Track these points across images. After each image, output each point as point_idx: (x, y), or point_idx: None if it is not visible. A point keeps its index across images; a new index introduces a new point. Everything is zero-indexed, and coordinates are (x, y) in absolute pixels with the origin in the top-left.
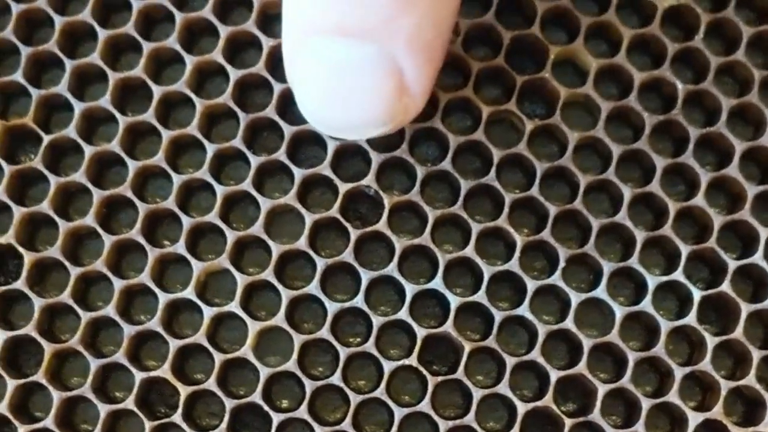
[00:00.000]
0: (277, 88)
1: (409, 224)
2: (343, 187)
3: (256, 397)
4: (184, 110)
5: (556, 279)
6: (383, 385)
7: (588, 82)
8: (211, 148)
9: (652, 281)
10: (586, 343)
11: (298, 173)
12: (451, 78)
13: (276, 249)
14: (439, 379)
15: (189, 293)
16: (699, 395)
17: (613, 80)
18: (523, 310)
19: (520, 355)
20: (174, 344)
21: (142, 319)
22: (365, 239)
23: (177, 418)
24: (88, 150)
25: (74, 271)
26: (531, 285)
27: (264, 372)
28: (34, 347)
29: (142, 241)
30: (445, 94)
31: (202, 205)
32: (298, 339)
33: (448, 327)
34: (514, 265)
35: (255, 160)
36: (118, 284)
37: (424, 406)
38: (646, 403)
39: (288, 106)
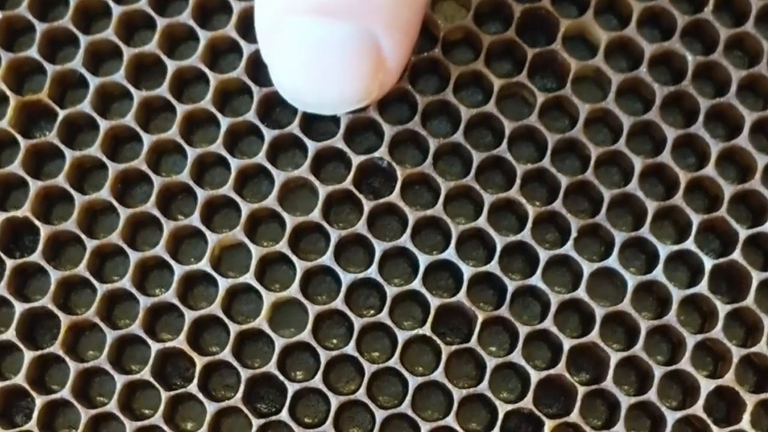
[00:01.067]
0: None
1: (422, 197)
2: (356, 160)
3: (271, 368)
4: (198, 86)
5: (568, 249)
6: (397, 355)
7: (598, 56)
8: (225, 123)
9: (664, 251)
10: (599, 313)
11: (312, 146)
12: (463, 53)
13: (290, 222)
14: (453, 348)
15: (204, 266)
16: (711, 364)
17: (624, 53)
18: (536, 281)
19: (533, 326)
20: (189, 316)
21: (158, 293)
22: (378, 212)
23: (193, 388)
24: (103, 125)
25: (90, 245)
26: (543, 255)
27: (279, 343)
28: (50, 321)
29: (157, 214)
30: (456, 67)
31: (216, 180)
32: (312, 311)
33: (461, 297)
34: (526, 236)
35: (269, 134)
36: (134, 258)
37: (438, 375)
38: (658, 371)
39: None
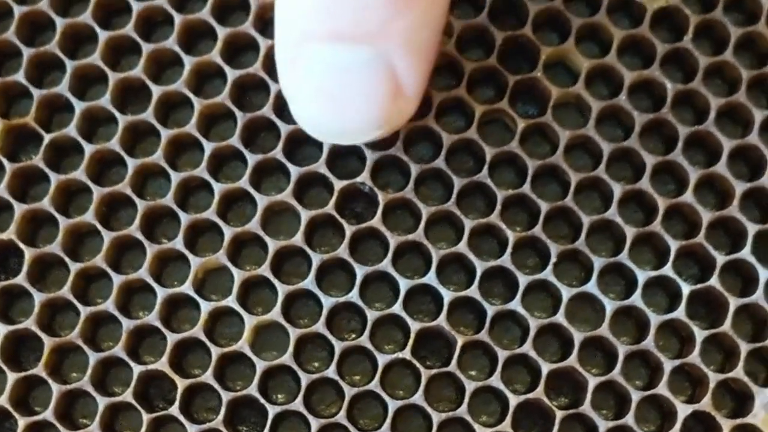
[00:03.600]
0: (274, 88)
1: (404, 222)
2: (339, 185)
3: (253, 391)
4: (183, 111)
5: (547, 274)
6: (377, 378)
7: (579, 83)
8: (209, 147)
9: (642, 276)
10: (578, 338)
11: (295, 171)
12: (445, 79)
13: (273, 246)
14: (433, 372)
15: (187, 288)
16: (689, 389)
17: (604, 81)
18: (516, 305)
19: (513, 350)
20: (172, 339)
21: (141, 315)
22: (360, 236)
23: (175, 410)
24: (89, 149)
25: (74, 267)
26: (523, 280)
27: (260, 366)
28: (34, 342)
29: (141, 237)
30: (438, 93)
31: (200, 203)
32: (294, 334)
33: (442, 321)
34: (506, 261)
35: (252, 159)
36: (118, 280)
37: (418, 398)
38: (636, 396)
39: (285, 106)
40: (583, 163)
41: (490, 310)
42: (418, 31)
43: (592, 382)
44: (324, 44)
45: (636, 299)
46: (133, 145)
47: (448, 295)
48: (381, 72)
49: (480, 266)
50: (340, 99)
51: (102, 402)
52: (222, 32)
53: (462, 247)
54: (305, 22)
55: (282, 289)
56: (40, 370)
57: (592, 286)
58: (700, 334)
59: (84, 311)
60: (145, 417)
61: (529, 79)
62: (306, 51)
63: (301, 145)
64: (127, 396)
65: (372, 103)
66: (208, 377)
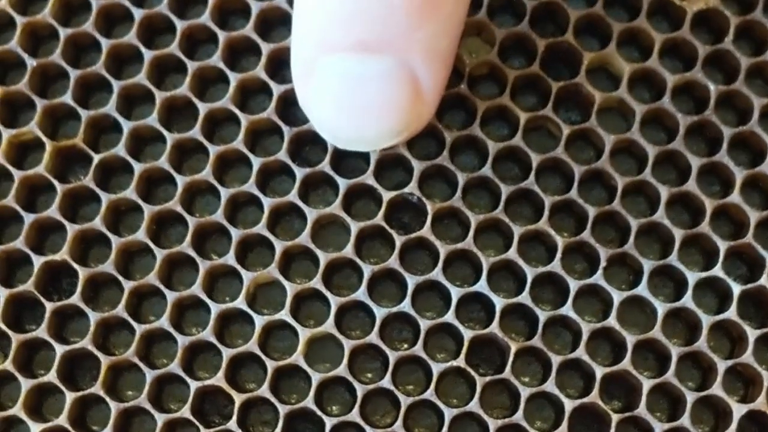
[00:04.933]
0: None
1: (452, 231)
2: (387, 196)
3: (309, 403)
4: (229, 127)
5: (597, 279)
6: (432, 387)
7: (622, 87)
8: (256, 162)
9: (692, 278)
10: (630, 341)
11: (342, 183)
12: (489, 87)
13: (323, 258)
14: (487, 379)
15: (239, 303)
16: (742, 389)
17: (646, 84)
18: (567, 310)
19: (565, 355)
20: (226, 354)
21: (194, 332)
22: (409, 246)
23: (232, 425)
24: (137, 167)
25: (127, 286)
26: (573, 285)
27: (315, 378)
28: (90, 362)
29: (192, 254)
30: (482, 102)
31: (249, 219)
32: (347, 345)
33: (494, 328)
34: (556, 266)
35: (300, 173)
36: (171, 297)
37: (473, 406)
38: (690, 397)
39: None
40: (628, 167)
41: (542, 315)
42: (438, 39)
43: (646, 384)
44: (346, 54)
45: (687, 301)
46: (180, 163)
47: (499, 303)
48: (402, 80)
49: (530, 272)
50: (361, 108)
51: (160, 419)
52: (266, 48)
53: (511, 254)
54: (326, 32)
55: (334, 301)
56: (97, 389)
57: (642, 289)
58: (752, 334)
59: (138, 329)
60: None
61: (571, 85)
62: (326, 61)
63: (348, 157)
64: (185, 412)
65: (393, 111)
66: (263, 391)
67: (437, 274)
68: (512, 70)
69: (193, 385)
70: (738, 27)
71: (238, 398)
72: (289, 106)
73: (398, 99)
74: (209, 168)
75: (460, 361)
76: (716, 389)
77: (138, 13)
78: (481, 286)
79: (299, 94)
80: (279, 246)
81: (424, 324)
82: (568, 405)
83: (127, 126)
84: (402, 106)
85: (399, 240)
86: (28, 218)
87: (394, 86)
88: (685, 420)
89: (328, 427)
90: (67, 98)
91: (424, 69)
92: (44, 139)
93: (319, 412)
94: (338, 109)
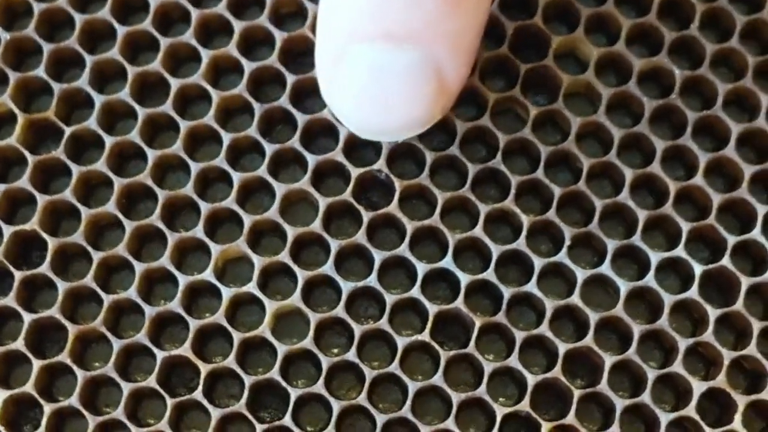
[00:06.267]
0: (290, 80)
1: (419, 210)
2: (355, 172)
3: (274, 375)
4: (201, 104)
5: (562, 258)
6: (396, 362)
7: (589, 71)
8: (227, 138)
9: (655, 258)
10: (593, 319)
11: (312, 160)
12: None
13: (291, 233)
14: (451, 353)
15: (208, 276)
16: (703, 369)
17: (613, 69)
18: (531, 288)
19: (529, 332)
20: (194, 326)
21: (162, 304)
22: (377, 223)
23: (198, 395)
24: (109, 141)
25: (96, 257)
26: (538, 263)
27: (281, 351)
28: (58, 332)
29: (162, 227)
30: None
31: (218, 195)
32: (313, 319)
33: (459, 304)
34: (521, 245)
35: (270, 149)
36: (139, 269)
37: (437, 380)
38: (651, 375)
39: (301, 97)
40: (594, 150)
41: (506, 293)
42: (465, 32)
43: (608, 362)
44: (373, 44)
45: (649, 280)
46: (152, 138)
47: (464, 279)
48: (428, 71)
49: (495, 250)
50: (386, 99)
51: (126, 389)
52: (238, 26)
53: (477, 232)
54: (353, 22)
55: (301, 276)
56: (64, 357)
57: (606, 269)
58: (713, 314)
59: (107, 300)
60: (169, 402)
61: (539, 68)
62: (353, 51)
63: (318, 135)
64: (151, 382)
65: (418, 102)
66: (230, 362)
67: (404, 250)
68: (482, 52)
69: (160, 355)
70: (704, 14)
71: (205, 369)
72: (260, 84)
73: (424, 91)
74: (180, 143)
75: (425, 336)
76: (677, 367)
77: None
78: (447, 262)
79: (323, 84)
80: (248, 221)
81: (390, 299)
82: (531, 381)
83: (99, 100)
84: (427, 98)
85: (366, 216)
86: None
87: (421, 78)
88: (646, 397)
89: (293, 400)
90: (41, 72)
91: (450, 61)
92: (17, 111)
93: (284, 384)
94: (364, 99)
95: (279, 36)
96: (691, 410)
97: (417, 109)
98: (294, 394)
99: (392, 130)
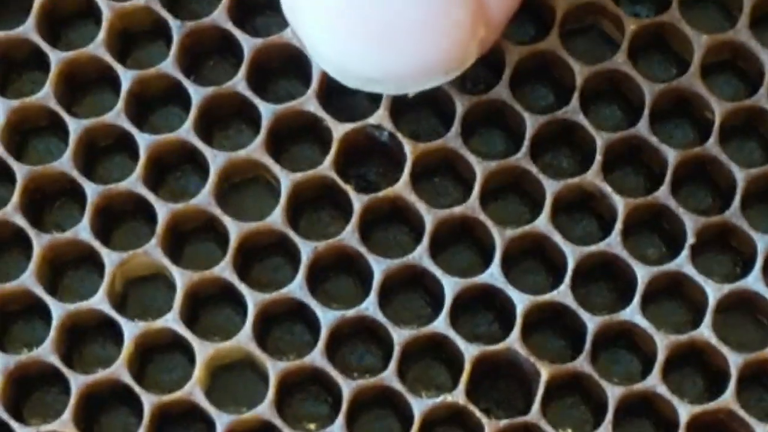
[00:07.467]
0: None
1: (445, 193)
2: (339, 131)
3: None
4: (82, 25)
5: (681, 264)
6: None
7: None
8: (126, 78)
9: None
10: (733, 363)
11: (266, 111)
12: None
13: (235, 232)
14: (503, 424)
15: (99, 303)
16: None
17: None
18: (631, 314)
19: None
20: (77, 385)
21: (24, 352)
22: (376, 214)
23: None
24: None
25: None
26: (642, 275)
27: (222, 425)
28: None
29: (21, 223)
30: None
31: (113, 171)
32: (274, 372)
33: (513, 343)
34: (614, 245)
35: (197, 94)
36: None
37: None
38: None
39: (246, 11)
40: (732, 89)
41: (591, 324)
42: None
43: None
44: None
45: None
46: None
47: (521, 303)
48: None
49: (572, 256)
50: (391, 23)
51: None
52: None
53: (542, 225)
54: None
55: (252, 300)
56: None
57: (754, 281)
58: None
59: None
60: None
61: None
62: None
63: (275, 71)
64: None
65: (443, 34)
66: None
67: (421, 257)
68: None
69: None
70: None
71: None
72: None
73: (451, 14)
74: (48, 87)
75: (459, 397)
76: None
77: None
78: (493, 276)
79: (286, 9)
80: (163, 212)
81: (399, 338)
82: None
83: None
84: (457, 26)
85: (358, 203)
86: None
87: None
88: None
89: None
90: None
91: None
92: None
93: None
94: (353, 30)
95: None
96: None
97: (442, 43)
98: None
99: (404, 75)
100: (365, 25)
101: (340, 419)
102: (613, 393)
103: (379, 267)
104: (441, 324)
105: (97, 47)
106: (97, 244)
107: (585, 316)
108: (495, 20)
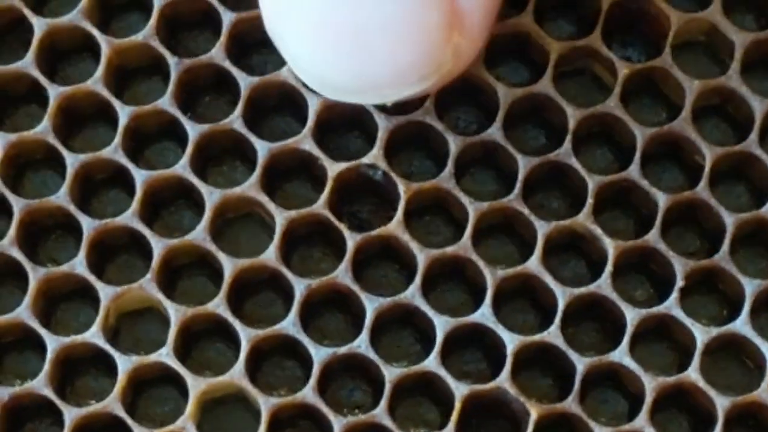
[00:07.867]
0: (226, 19)
1: (437, 232)
2: (333, 170)
3: None
4: (81, 60)
5: (670, 307)
6: None
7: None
8: (124, 114)
9: None
10: (720, 406)
11: (262, 149)
12: None
13: (229, 268)
14: None
15: (93, 337)
16: None
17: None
18: (620, 356)
19: None
20: (70, 418)
21: (18, 384)
22: (369, 252)
23: None
24: None
25: None
26: (631, 316)
27: None
28: None
29: (17, 256)
30: None
31: (109, 206)
32: (266, 408)
33: (503, 383)
34: (604, 287)
35: (193, 131)
36: None
37: None
38: None
39: (243, 47)
40: (722, 135)
41: (580, 365)
42: None
43: None
44: None
45: None
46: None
47: (512, 343)
48: None
49: (562, 297)
50: (365, 33)
51: None
52: None
53: (533, 266)
54: None
55: (245, 336)
56: None
57: (741, 325)
58: None
59: None
60: None
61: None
62: None
63: (271, 109)
64: None
65: (415, 39)
66: None
67: (413, 296)
68: None
69: None
70: None
71: None
72: (175, 29)
73: (421, 21)
74: (47, 122)
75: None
76: None
77: None
78: (484, 316)
79: (266, 10)
80: (158, 247)
81: (390, 375)
82: None
83: None
84: (428, 33)
85: (351, 241)
86: None
87: (419, 2)
88: None
89: None
90: None
91: None
92: None
93: None
94: (326, 39)
95: None
96: None
97: (413, 50)
98: None
99: (377, 85)
100: (339, 34)
101: None
102: None
103: (372, 305)
104: (432, 362)
105: (95, 83)
106: (92, 278)
107: (574, 356)
108: (470, 27)
